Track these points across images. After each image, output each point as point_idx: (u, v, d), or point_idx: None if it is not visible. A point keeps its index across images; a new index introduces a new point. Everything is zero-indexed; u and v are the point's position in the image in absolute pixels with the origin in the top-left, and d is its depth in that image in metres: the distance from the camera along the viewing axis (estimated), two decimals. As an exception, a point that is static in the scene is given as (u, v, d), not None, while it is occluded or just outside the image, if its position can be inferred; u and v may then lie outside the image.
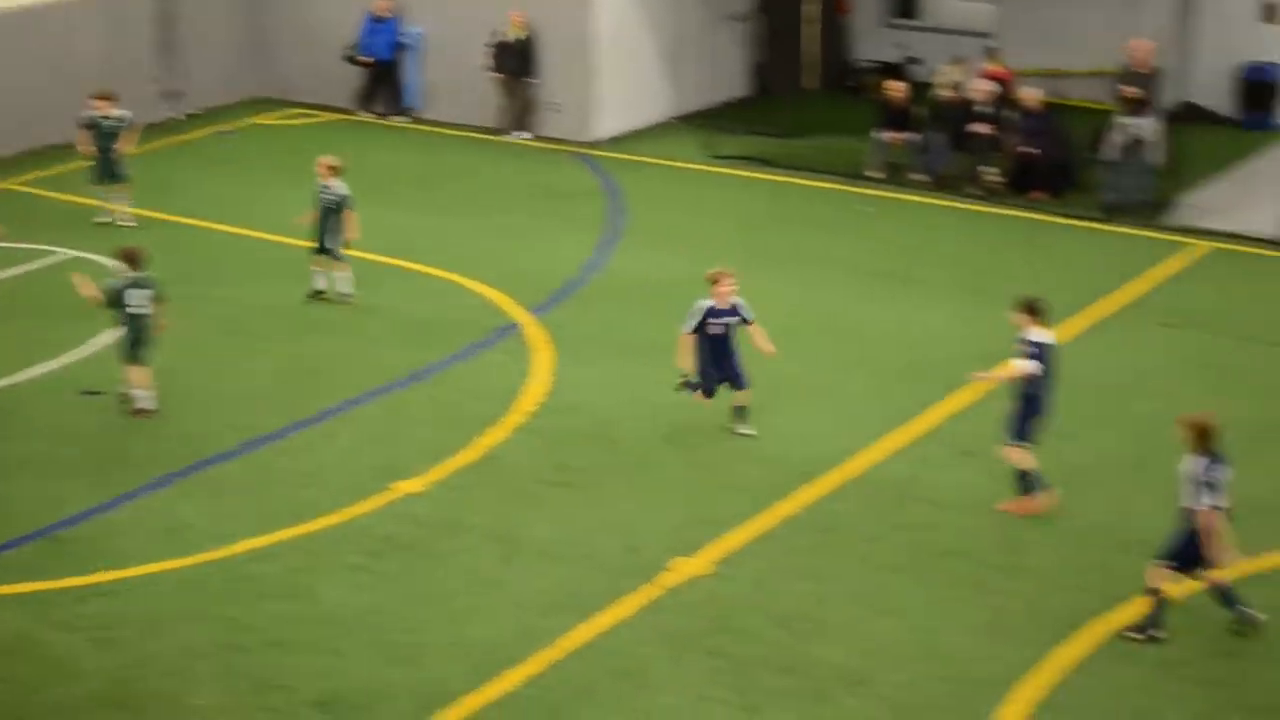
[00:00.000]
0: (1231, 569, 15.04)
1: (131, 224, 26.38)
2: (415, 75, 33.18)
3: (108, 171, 26.67)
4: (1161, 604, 14.88)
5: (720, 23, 33.84)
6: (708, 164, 30.34)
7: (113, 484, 17.94)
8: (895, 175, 29.33)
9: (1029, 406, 17.00)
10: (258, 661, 14.70)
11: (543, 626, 15.16)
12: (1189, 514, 14.67)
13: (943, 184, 28.95)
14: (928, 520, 17.17)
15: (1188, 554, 14.75)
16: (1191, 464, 14.64)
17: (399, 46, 33.00)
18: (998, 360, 17.71)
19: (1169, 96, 29.72)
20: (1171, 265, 24.92)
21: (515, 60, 31.61)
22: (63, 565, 16.32)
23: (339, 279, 23.18)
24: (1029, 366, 16.78)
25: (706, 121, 32.74)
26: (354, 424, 19.50)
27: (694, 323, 18.71)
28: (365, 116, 33.35)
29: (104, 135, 26.48)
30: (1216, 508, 14.58)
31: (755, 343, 18.90)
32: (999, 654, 14.77)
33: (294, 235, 24.02)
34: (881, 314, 22.94)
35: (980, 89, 29.06)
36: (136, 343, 19.57)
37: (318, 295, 23.22)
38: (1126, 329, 22.46)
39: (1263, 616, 15.05)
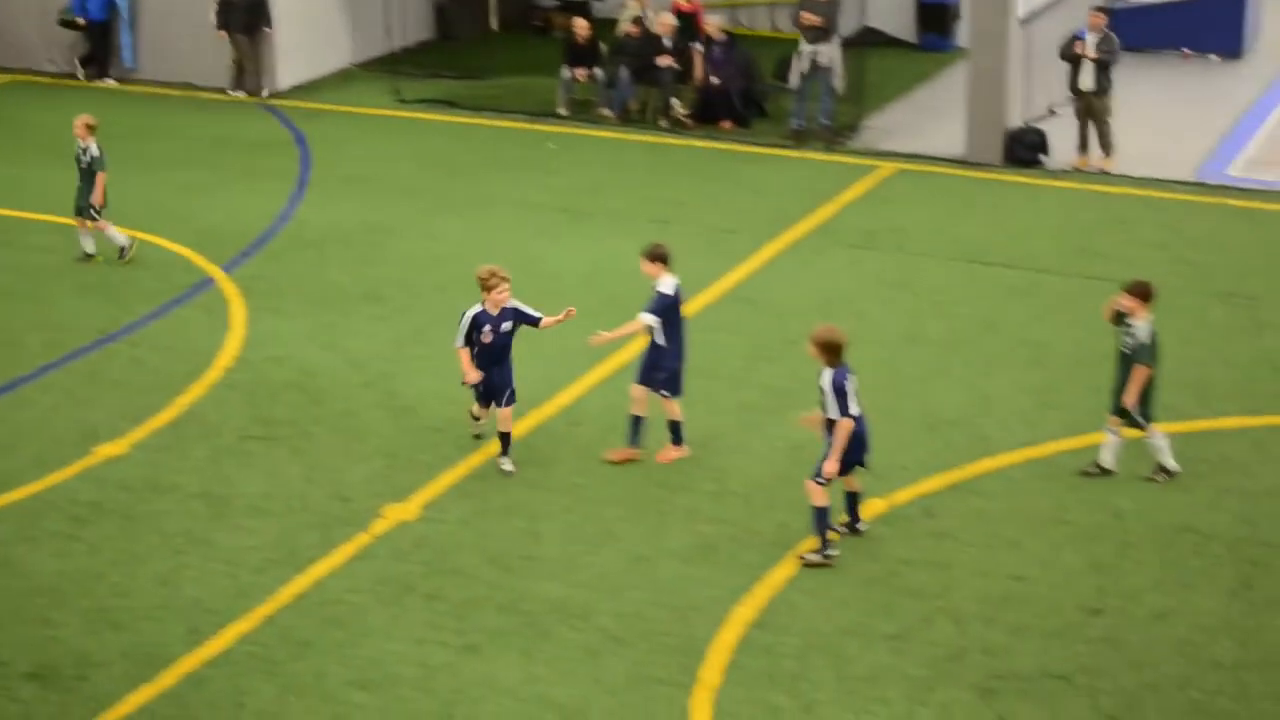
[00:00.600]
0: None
1: None
2: (127, 35, 32.25)
3: None
4: (825, 520, 15.16)
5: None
6: (394, 109, 30.14)
7: None
8: (584, 112, 29.47)
9: (657, 355, 16.94)
10: (-37, 638, 14.32)
11: (257, 582, 14.99)
12: (831, 424, 15.03)
13: (630, 118, 29.17)
14: (635, 452, 17.33)
15: (842, 462, 15.09)
16: (827, 377, 15.00)
17: (112, 6, 32.03)
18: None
19: (849, 22, 30.25)
20: (858, 188, 25.46)
21: (240, 16, 30.93)
22: None
23: (104, 237, 22.63)
24: (648, 320, 16.79)
25: (390, 67, 32.46)
26: (49, 390, 19.01)
27: (462, 336, 16.77)
28: (79, 80, 32.25)
29: None
30: (855, 416, 14.97)
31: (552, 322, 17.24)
32: (714, 579, 15.00)
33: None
34: (573, 252, 23.04)
35: (663, 23, 29.30)
36: None
37: (88, 258, 22.67)
38: (816, 252, 22.90)
39: (862, 529, 15.61)
